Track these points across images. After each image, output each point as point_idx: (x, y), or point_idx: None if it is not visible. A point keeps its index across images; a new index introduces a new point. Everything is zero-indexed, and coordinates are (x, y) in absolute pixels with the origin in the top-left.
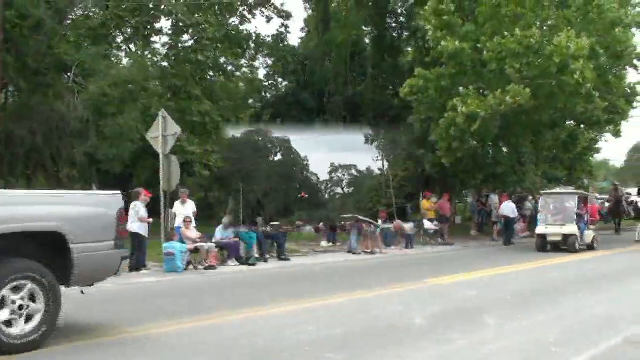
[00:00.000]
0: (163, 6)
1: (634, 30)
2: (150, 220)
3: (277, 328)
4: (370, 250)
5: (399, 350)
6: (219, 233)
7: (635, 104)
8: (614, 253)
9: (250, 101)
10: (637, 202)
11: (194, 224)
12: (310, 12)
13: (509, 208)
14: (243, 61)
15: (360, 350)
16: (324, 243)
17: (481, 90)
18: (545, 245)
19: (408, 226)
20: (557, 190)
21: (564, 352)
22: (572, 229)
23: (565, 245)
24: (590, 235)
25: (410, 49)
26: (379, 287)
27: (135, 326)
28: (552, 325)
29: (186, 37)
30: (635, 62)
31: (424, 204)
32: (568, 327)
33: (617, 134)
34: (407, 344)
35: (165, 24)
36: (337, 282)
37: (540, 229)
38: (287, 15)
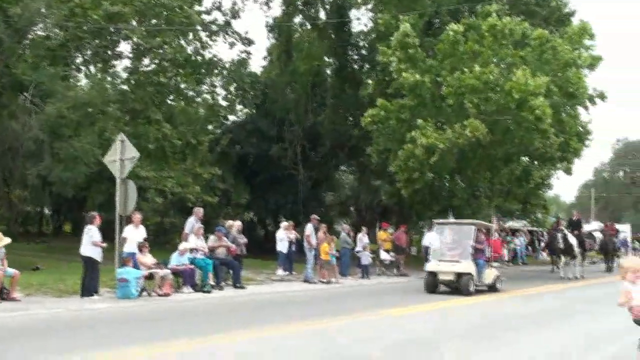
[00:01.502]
0: (122, 30)
1: (585, 71)
2: (104, 244)
3: (233, 358)
4: (326, 280)
5: None
6: (175, 259)
7: (587, 143)
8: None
9: (210, 127)
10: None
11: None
12: (273, 41)
13: (430, 238)
14: (204, 87)
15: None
16: (280, 272)
17: (440, 124)
18: (435, 285)
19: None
20: (452, 219)
21: None
22: (466, 266)
23: (458, 285)
24: (490, 274)
25: (370, 81)
26: (335, 317)
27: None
28: None
29: (147, 61)
30: (587, 102)
31: (381, 234)
32: None
33: (568, 171)
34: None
35: (125, 47)
36: (293, 311)
37: (431, 266)
38: (249, 42)
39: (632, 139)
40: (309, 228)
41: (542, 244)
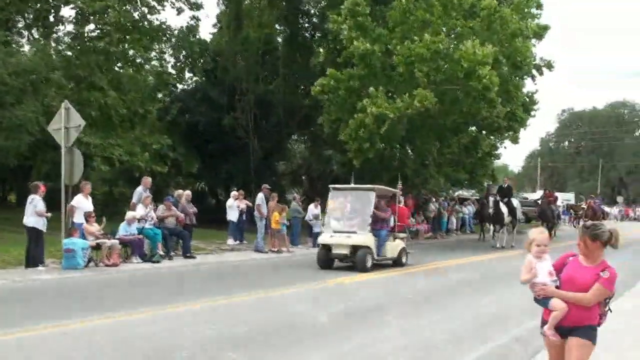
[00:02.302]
0: None
1: (533, 41)
2: (49, 214)
3: (177, 327)
4: (277, 249)
5: (300, 348)
6: (122, 229)
7: (532, 113)
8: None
9: (159, 95)
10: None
11: None
12: (223, 8)
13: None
14: (152, 54)
15: (261, 350)
16: (230, 241)
17: (390, 93)
18: (328, 260)
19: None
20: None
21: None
22: (362, 238)
23: (353, 260)
24: (395, 246)
25: (321, 50)
26: (284, 286)
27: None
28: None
29: (91, 26)
30: (533, 72)
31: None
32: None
33: (515, 140)
34: (308, 342)
35: (69, 11)
36: (241, 280)
37: (323, 238)
38: (198, 7)
39: (578, 109)
40: (259, 197)
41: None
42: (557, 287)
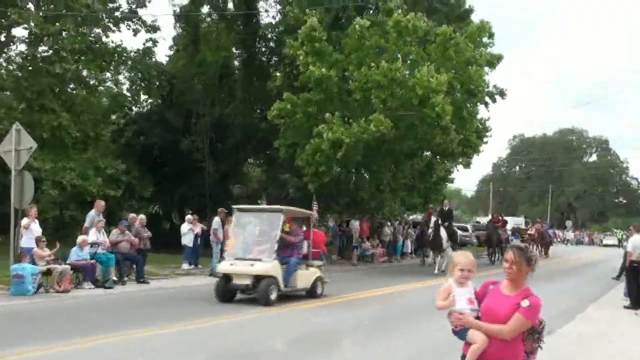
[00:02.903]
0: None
1: (486, 69)
2: None
3: (126, 356)
4: None
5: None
6: (74, 254)
7: (485, 139)
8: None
9: (113, 117)
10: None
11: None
12: (180, 30)
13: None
14: (107, 74)
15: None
16: (185, 266)
17: (346, 118)
18: (228, 292)
19: None
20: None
21: None
22: (266, 267)
23: (255, 292)
24: (308, 276)
25: (278, 74)
26: (239, 312)
27: None
28: None
29: (44, 47)
30: (487, 99)
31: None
32: None
33: (467, 165)
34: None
35: (21, 32)
36: (196, 307)
37: (223, 266)
38: (154, 29)
39: (528, 134)
40: (216, 221)
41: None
42: (477, 318)
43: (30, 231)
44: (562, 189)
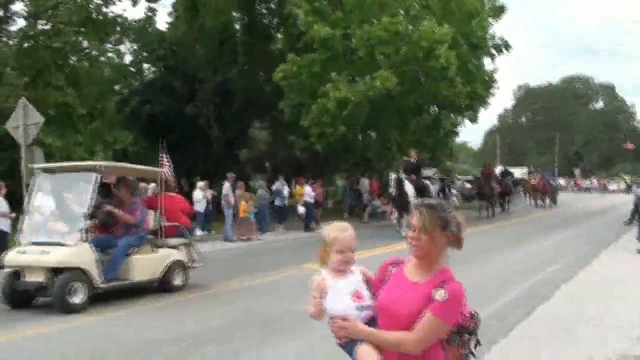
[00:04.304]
0: None
1: (490, 20)
2: (13, 214)
3: (140, 325)
4: (246, 238)
5: (270, 341)
6: None
7: (492, 91)
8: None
9: (117, 87)
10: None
11: None
12: None
13: (307, 194)
14: (108, 46)
15: (238, 345)
16: (198, 232)
17: (351, 77)
18: (18, 294)
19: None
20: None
21: None
22: (64, 254)
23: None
24: (156, 261)
25: (280, 36)
26: (256, 275)
27: None
28: None
29: (43, 21)
30: (492, 51)
31: (298, 189)
32: None
33: (473, 119)
34: (280, 333)
35: (20, 6)
36: (214, 273)
37: (11, 257)
38: None
39: (533, 84)
40: (226, 187)
41: (454, 190)
42: (372, 320)
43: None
44: (569, 137)
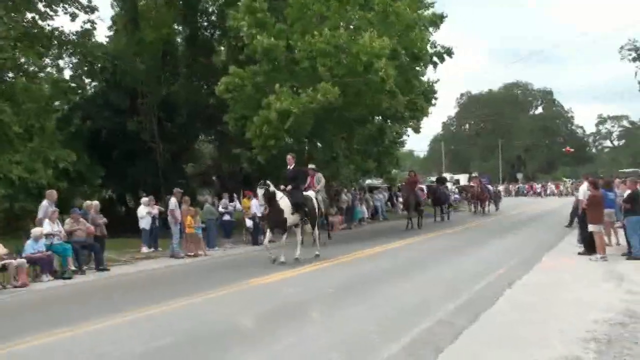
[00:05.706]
0: None
1: (430, 29)
2: None
3: (97, 346)
4: (193, 254)
5: (230, 355)
6: (30, 247)
7: (432, 102)
8: None
9: (56, 103)
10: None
11: None
12: (118, 9)
13: (255, 207)
14: (47, 60)
15: None
16: (144, 249)
17: (295, 88)
18: None
19: None
20: None
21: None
22: None
23: None
24: None
25: (222, 48)
26: (204, 292)
27: None
28: None
29: None
30: (435, 59)
31: (245, 202)
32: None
33: (416, 129)
34: (234, 348)
35: None
36: (160, 290)
37: None
38: (92, 9)
39: (474, 92)
40: (172, 202)
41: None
42: None
43: None
44: (511, 142)
